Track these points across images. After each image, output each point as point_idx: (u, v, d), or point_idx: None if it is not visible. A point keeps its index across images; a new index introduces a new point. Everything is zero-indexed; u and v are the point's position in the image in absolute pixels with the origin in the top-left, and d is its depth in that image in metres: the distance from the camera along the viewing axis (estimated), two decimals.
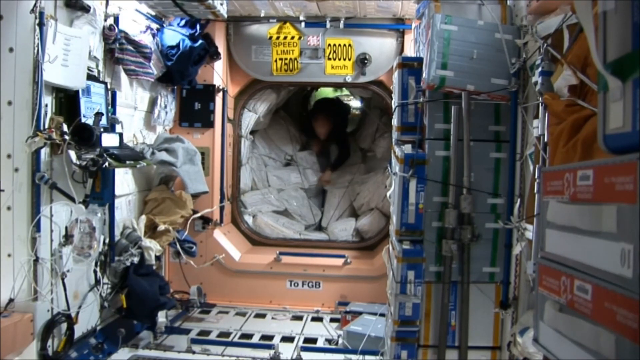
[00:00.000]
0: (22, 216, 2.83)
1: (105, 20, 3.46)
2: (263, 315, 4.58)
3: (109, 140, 3.27)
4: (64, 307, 3.07)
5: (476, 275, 2.91)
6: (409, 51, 4.48)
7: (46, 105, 2.90)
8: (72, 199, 3.01)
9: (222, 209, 4.96)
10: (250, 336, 4.07)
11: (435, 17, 2.67)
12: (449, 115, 2.86)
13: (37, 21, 2.78)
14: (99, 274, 3.46)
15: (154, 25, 4.20)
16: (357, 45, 4.80)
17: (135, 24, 3.91)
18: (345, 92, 7.22)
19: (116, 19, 3.56)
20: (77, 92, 3.08)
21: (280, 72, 4.88)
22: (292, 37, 4.82)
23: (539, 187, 2.17)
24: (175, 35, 4.25)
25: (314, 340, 4.01)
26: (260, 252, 5.07)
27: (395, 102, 3.21)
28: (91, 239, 3.25)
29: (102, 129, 3.18)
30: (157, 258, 4.08)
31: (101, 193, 3.34)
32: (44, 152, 2.90)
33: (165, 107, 4.48)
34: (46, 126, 2.87)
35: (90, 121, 3.08)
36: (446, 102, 2.87)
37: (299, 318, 4.52)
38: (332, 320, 4.48)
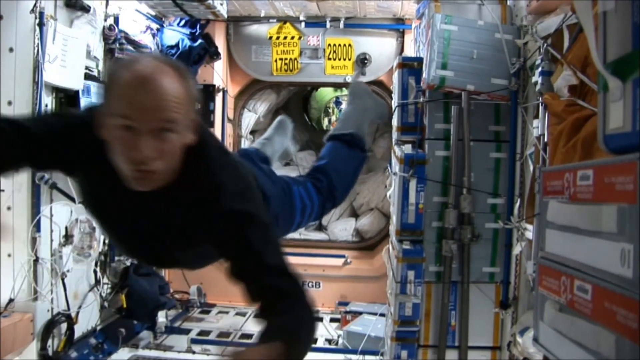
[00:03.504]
0: (22, 216, 2.83)
1: (105, 20, 3.46)
2: None
3: None
4: (64, 307, 3.07)
5: (476, 275, 2.90)
6: (409, 51, 4.48)
7: (46, 105, 2.89)
8: (72, 199, 3.01)
9: None
10: (250, 336, 4.06)
11: (435, 17, 2.67)
12: (449, 115, 2.86)
13: (37, 21, 2.78)
14: (99, 274, 3.46)
15: (154, 25, 4.20)
16: (357, 45, 4.80)
17: (135, 24, 3.91)
18: (345, 92, 7.22)
19: (116, 19, 3.57)
20: (77, 92, 3.08)
21: (280, 72, 4.88)
22: (292, 37, 4.82)
23: (539, 187, 2.17)
24: (174, 35, 4.25)
25: (314, 340, 4.01)
26: None
27: (395, 102, 3.21)
28: (91, 239, 3.25)
29: None
30: None
31: None
32: None
33: None
34: None
35: None
36: (446, 102, 2.87)
37: None
38: (332, 320, 4.48)
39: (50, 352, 2.96)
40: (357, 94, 2.36)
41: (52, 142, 1.32)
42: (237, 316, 4.55)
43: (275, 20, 4.76)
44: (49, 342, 2.95)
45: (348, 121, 2.23)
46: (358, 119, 2.22)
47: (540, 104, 2.22)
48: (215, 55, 4.59)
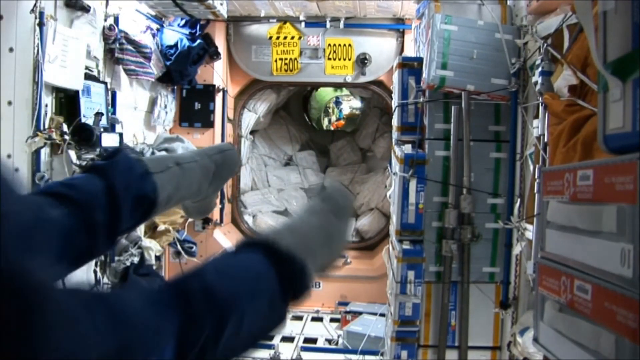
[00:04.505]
0: None
1: (105, 20, 3.46)
2: None
3: (109, 140, 3.27)
4: None
5: (476, 275, 2.90)
6: (409, 51, 4.48)
7: (46, 105, 2.89)
8: None
9: (222, 209, 4.96)
10: None
11: (435, 17, 2.67)
12: (449, 115, 2.86)
13: (37, 21, 2.78)
14: (98, 274, 3.46)
15: (154, 25, 4.20)
16: (357, 45, 4.80)
17: (135, 24, 3.91)
18: (345, 92, 7.23)
19: (116, 19, 3.56)
20: (77, 92, 3.08)
21: (280, 72, 4.88)
22: (292, 37, 4.82)
23: (539, 187, 2.17)
24: (174, 35, 4.26)
25: (314, 340, 4.01)
26: None
27: (395, 102, 3.21)
28: None
29: (102, 129, 3.18)
30: (157, 258, 4.08)
31: None
32: (44, 152, 2.90)
33: (165, 107, 4.48)
34: (46, 126, 2.87)
35: (90, 121, 3.08)
36: (446, 102, 2.87)
37: (299, 318, 4.52)
38: (332, 320, 4.48)
39: None
40: (337, 206, 0.99)
41: None
42: None
43: (275, 20, 4.76)
44: None
45: (304, 238, 0.89)
46: (318, 245, 0.91)
47: (540, 104, 2.22)
48: (215, 55, 4.60)
